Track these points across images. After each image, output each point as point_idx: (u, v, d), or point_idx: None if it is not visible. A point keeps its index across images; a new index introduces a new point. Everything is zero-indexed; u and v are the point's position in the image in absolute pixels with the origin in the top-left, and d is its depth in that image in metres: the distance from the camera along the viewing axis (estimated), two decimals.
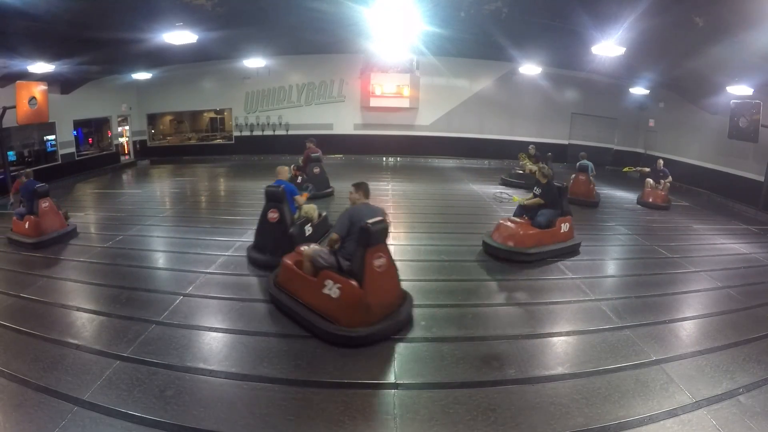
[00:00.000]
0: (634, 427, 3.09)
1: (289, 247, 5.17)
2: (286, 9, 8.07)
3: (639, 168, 10.75)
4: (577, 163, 10.86)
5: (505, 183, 12.29)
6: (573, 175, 10.82)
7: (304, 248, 4.57)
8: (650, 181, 10.57)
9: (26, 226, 6.85)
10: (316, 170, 10.13)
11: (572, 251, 6.69)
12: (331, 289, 4.05)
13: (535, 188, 6.86)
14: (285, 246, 5.43)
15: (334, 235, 4.26)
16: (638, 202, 10.65)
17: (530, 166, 11.58)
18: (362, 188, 4.74)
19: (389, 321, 4.12)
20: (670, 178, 10.58)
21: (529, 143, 13.14)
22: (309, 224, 6.60)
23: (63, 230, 7.12)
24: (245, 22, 8.70)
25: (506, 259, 6.25)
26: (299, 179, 9.70)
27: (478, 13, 7.63)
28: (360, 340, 3.93)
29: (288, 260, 4.67)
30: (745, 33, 6.38)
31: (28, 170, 7.76)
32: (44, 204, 7.02)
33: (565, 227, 6.64)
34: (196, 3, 6.99)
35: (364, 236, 3.99)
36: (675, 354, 4.04)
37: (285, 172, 6.67)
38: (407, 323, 4.35)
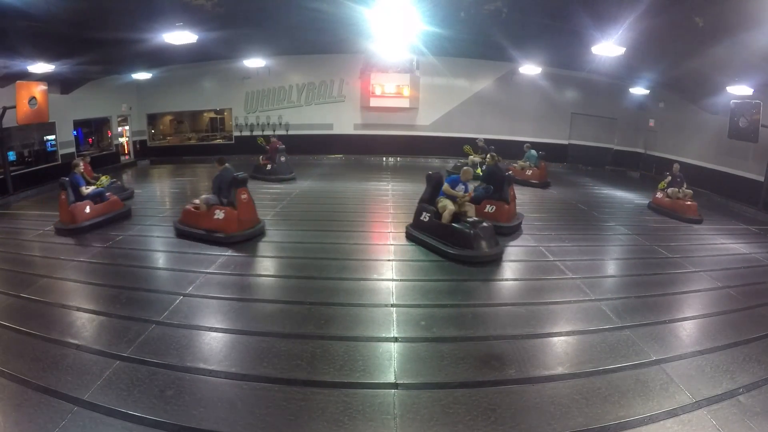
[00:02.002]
0: (634, 427, 3.09)
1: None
2: (286, 9, 8.08)
3: (665, 180, 9.97)
4: (527, 154, 12.75)
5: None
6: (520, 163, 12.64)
7: (198, 200, 7.14)
8: (674, 189, 9.68)
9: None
10: (282, 158, 12.42)
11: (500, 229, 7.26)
12: (219, 214, 6.84)
13: (485, 167, 8.52)
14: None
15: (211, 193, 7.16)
16: (666, 214, 9.55)
17: (474, 158, 12.72)
18: (222, 162, 7.28)
19: (251, 229, 7.05)
20: (685, 184, 9.87)
21: (529, 143, 13.17)
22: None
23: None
24: (245, 22, 8.70)
25: None
26: (268, 167, 12.29)
27: (478, 13, 7.64)
28: (238, 238, 6.75)
29: (188, 208, 7.21)
30: (745, 33, 6.38)
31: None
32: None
33: (490, 208, 7.74)
34: (196, 3, 6.99)
35: (236, 182, 6.91)
36: (675, 354, 4.04)
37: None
38: (262, 232, 7.18)
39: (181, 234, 7.12)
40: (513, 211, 7.86)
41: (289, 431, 3.01)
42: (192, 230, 7.00)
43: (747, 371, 3.79)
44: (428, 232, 6.68)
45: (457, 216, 6.51)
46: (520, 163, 12.71)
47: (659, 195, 9.95)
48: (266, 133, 15.50)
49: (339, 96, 15.82)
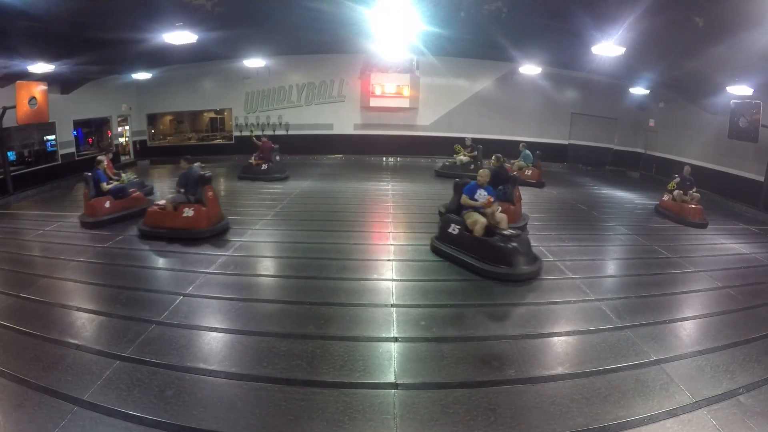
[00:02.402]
0: (634, 427, 3.09)
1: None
2: (286, 9, 8.08)
3: (674, 180, 9.71)
4: (522, 154, 12.81)
5: (439, 175, 13.23)
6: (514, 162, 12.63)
7: (163, 200, 7.13)
8: (680, 192, 9.37)
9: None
10: (278, 158, 12.63)
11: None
12: (188, 212, 6.90)
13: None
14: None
15: (179, 189, 7.18)
16: (668, 217, 9.34)
17: (461, 157, 13.13)
18: (188, 161, 7.38)
19: (219, 225, 7.19)
20: (694, 188, 9.50)
21: (525, 143, 13.21)
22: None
23: None
24: (245, 22, 8.70)
25: None
26: (264, 167, 12.34)
27: (478, 13, 7.62)
28: (207, 233, 6.90)
29: (151, 208, 7.15)
30: (745, 33, 6.38)
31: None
32: None
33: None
34: (196, 3, 6.99)
35: (203, 180, 7.11)
36: (675, 354, 4.04)
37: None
38: (226, 229, 7.28)
39: (146, 236, 7.00)
40: (519, 211, 7.84)
41: (289, 431, 3.01)
42: (159, 230, 6.94)
43: (747, 371, 3.79)
44: (458, 247, 6.07)
45: (489, 227, 5.95)
46: (517, 162, 12.75)
47: (666, 198, 9.67)
48: (266, 132, 15.51)
49: (339, 96, 15.82)
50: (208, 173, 7.25)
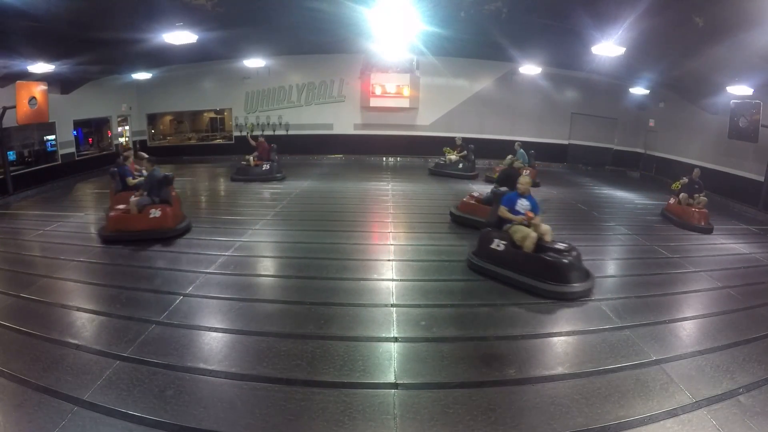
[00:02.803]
0: (634, 427, 3.09)
1: None
2: (286, 9, 8.08)
3: (680, 181, 9.33)
4: (517, 153, 12.68)
5: (433, 173, 13.62)
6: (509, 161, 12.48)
7: (126, 205, 6.98)
8: (685, 195, 8.96)
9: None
10: (276, 157, 12.62)
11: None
12: (155, 213, 6.84)
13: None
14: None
15: (143, 192, 7.12)
16: (672, 221, 8.98)
17: (451, 156, 13.39)
18: (152, 162, 7.40)
19: (184, 224, 7.21)
20: (703, 192, 9.06)
21: (519, 142, 13.26)
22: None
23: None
24: (245, 22, 8.71)
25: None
26: (265, 167, 12.29)
27: (478, 13, 7.63)
28: (177, 232, 6.96)
29: (113, 213, 6.92)
30: (745, 33, 6.38)
31: None
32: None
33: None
34: (196, 3, 6.99)
35: (168, 180, 7.15)
36: (675, 354, 4.04)
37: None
38: (189, 228, 7.26)
39: (110, 241, 6.70)
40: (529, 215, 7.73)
41: (289, 431, 3.01)
42: (124, 234, 6.76)
43: (747, 371, 3.79)
44: (504, 264, 5.40)
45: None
46: (514, 162, 12.75)
47: (672, 201, 9.25)
48: (266, 132, 15.52)
49: (339, 96, 15.82)
50: (170, 174, 7.28)
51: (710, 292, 5.63)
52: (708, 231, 8.39)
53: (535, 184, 12.22)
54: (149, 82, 14.44)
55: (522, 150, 12.78)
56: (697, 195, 8.94)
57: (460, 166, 13.24)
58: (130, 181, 8.47)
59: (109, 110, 14.49)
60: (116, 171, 8.54)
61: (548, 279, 5.04)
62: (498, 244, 5.56)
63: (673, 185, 9.55)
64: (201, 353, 3.93)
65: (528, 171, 12.36)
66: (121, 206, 7.00)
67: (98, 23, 7.47)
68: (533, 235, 5.26)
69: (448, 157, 13.45)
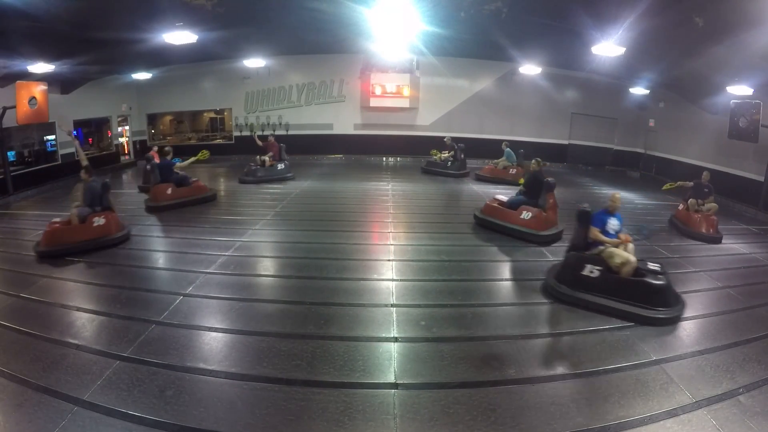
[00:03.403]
0: (634, 427, 3.09)
1: None
2: (286, 9, 8.08)
3: (681, 182, 8.75)
4: (504, 152, 12.93)
5: (425, 172, 13.78)
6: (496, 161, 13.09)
7: (59, 219, 6.72)
8: (693, 201, 8.26)
9: None
10: (287, 157, 12.78)
11: (534, 238, 7.11)
12: (99, 221, 6.69)
13: (526, 174, 7.98)
14: None
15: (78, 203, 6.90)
16: (677, 228, 8.38)
17: (440, 155, 13.66)
18: (89, 172, 7.06)
19: (124, 231, 6.98)
20: (712, 197, 8.35)
21: (507, 141, 13.36)
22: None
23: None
24: (245, 22, 8.71)
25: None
26: (280, 166, 12.39)
27: (478, 13, 7.63)
28: (120, 239, 6.77)
29: (55, 226, 6.53)
30: (745, 33, 6.38)
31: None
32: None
33: (526, 215, 7.35)
34: (196, 3, 6.99)
35: (108, 188, 7.02)
36: (675, 354, 4.04)
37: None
38: (129, 235, 7.02)
39: (48, 256, 6.20)
40: (551, 219, 7.37)
41: (289, 431, 3.01)
42: (65, 247, 6.32)
43: (747, 371, 3.79)
44: (600, 292, 4.86)
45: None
46: (501, 161, 12.98)
47: (681, 207, 8.55)
48: (265, 132, 15.53)
49: (339, 96, 15.82)
50: (107, 181, 7.14)
51: (710, 292, 5.63)
52: (717, 240, 7.74)
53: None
54: (149, 82, 14.44)
55: (509, 149, 12.90)
56: (705, 201, 8.21)
57: (449, 164, 13.32)
58: (179, 165, 9.30)
59: (109, 110, 14.48)
60: (155, 165, 9.10)
61: (649, 304, 4.64)
62: (591, 271, 4.97)
63: (665, 186, 9.12)
64: (201, 353, 3.93)
65: (515, 170, 12.49)
66: (57, 220, 6.63)
67: (98, 23, 7.47)
68: (633, 260, 4.85)
69: (439, 155, 13.67)
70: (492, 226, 7.74)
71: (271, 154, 12.28)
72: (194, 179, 9.66)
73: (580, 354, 4.07)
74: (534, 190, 7.55)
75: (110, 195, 7.07)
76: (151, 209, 8.85)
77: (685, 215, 8.30)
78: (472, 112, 15.81)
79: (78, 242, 6.47)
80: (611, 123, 15.66)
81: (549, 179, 7.40)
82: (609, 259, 4.91)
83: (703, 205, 8.18)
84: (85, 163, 7.18)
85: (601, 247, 5.06)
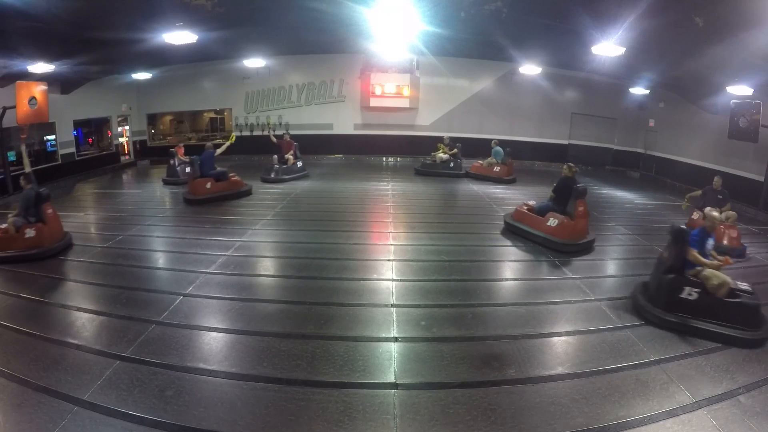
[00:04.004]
0: (634, 427, 3.09)
1: None
2: (286, 9, 8.08)
3: (690, 195, 8.11)
4: (493, 151, 12.97)
5: (419, 173, 13.48)
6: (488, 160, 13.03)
7: (5, 225, 6.55)
8: (709, 210, 7.24)
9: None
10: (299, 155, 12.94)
11: (558, 246, 6.81)
12: (30, 233, 6.42)
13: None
14: None
15: (16, 212, 6.76)
16: None
17: (440, 155, 13.41)
18: (28, 179, 6.82)
19: (61, 242, 6.66)
20: (729, 204, 7.66)
21: (496, 140, 13.37)
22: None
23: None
24: (245, 22, 8.71)
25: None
26: (299, 164, 12.69)
27: (478, 13, 7.63)
28: (55, 251, 6.42)
29: None
30: (745, 33, 6.38)
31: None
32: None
33: (552, 222, 7.07)
34: (196, 3, 6.99)
35: (41, 198, 6.72)
36: (675, 354, 4.04)
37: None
38: (70, 243, 6.79)
39: None
40: (579, 228, 6.95)
41: (289, 431, 3.01)
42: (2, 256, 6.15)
43: (747, 371, 3.79)
44: (696, 314, 4.59)
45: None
46: (488, 160, 13.01)
47: (696, 216, 7.55)
48: (266, 133, 15.55)
49: (339, 96, 15.82)
50: (45, 190, 6.86)
51: None
52: (741, 254, 6.97)
53: (511, 181, 12.51)
54: (149, 82, 14.44)
55: (498, 147, 12.96)
56: (722, 209, 7.28)
57: (452, 165, 13.31)
58: (219, 151, 10.05)
59: (109, 110, 14.48)
60: (195, 159, 9.75)
61: (745, 325, 4.44)
62: (690, 293, 4.68)
63: (684, 204, 8.22)
64: (201, 353, 3.93)
65: (499, 167, 12.65)
66: (3, 226, 6.44)
67: (98, 23, 7.47)
68: (729, 281, 4.62)
69: (438, 156, 13.45)
70: (520, 232, 7.46)
71: (292, 152, 12.54)
72: (232, 174, 10.19)
73: (580, 354, 4.08)
74: (563, 197, 7.21)
75: (48, 206, 6.73)
76: (190, 202, 9.45)
77: (693, 223, 7.31)
78: (472, 112, 15.81)
79: (13, 251, 6.22)
80: (611, 123, 15.65)
81: (579, 185, 7.05)
82: (706, 281, 4.66)
83: (720, 213, 6.97)
84: (27, 170, 7.08)
85: (698, 268, 4.76)
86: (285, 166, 12.27)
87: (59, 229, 6.88)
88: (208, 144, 10.34)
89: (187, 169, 11.24)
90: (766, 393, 3.50)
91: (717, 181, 7.89)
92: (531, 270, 6.31)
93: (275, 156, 12.45)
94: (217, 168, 10.02)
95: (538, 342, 4.24)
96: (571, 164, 7.61)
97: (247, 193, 10.29)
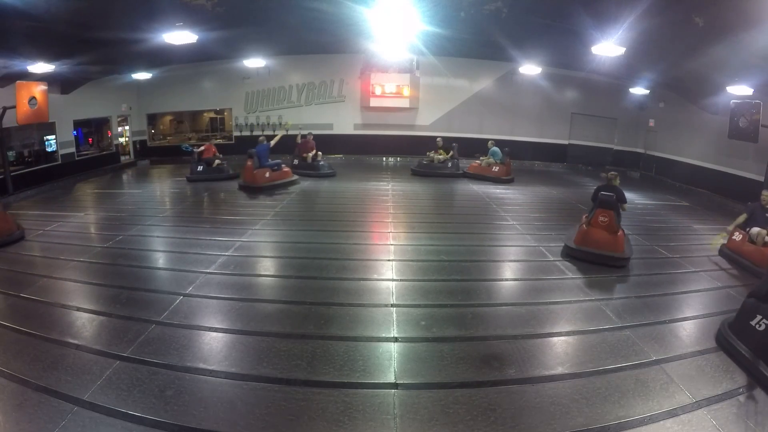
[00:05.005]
0: (634, 427, 3.09)
1: None
2: (286, 9, 8.07)
3: (732, 227, 6.90)
4: (490, 151, 13.10)
5: (415, 174, 13.47)
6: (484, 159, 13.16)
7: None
8: (759, 231, 6.34)
9: None
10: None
11: (569, 251, 6.60)
12: None
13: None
14: None
15: None
16: (732, 260, 6.67)
17: (436, 155, 13.48)
18: None
19: (7, 238, 6.69)
20: None
21: (493, 140, 13.40)
22: None
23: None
24: (245, 22, 8.70)
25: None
26: (322, 162, 13.16)
27: (478, 13, 7.63)
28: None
29: None
30: (745, 33, 6.38)
31: None
32: None
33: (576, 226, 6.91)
34: (196, 3, 6.99)
35: None
36: (675, 354, 4.04)
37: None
38: (21, 237, 6.94)
39: None
40: (593, 237, 6.44)
41: (289, 431, 3.01)
42: None
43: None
44: (761, 352, 3.79)
45: None
46: (487, 160, 13.04)
47: (738, 237, 6.65)
48: (266, 133, 15.55)
49: (339, 96, 15.82)
50: None
51: (710, 292, 5.63)
52: None
53: (508, 181, 12.52)
54: (149, 82, 14.43)
55: (496, 147, 13.00)
56: None
57: (449, 165, 13.32)
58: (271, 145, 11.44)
59: (109, 110, 14.48)
60: (254, 151, 10.84)
61: None
62: (759, 323, 3.97)
63: (715, 240, 7.12)
64: (201, 353, 3.93)
65: (497, 167, 12.67)
66: None
67: (98, 23, 7.46)
68: None
69: (435, 156, 13.51)
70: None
71: (313, 152, 13.07)
72: (284, 166, 11.68)
73: (580, 354, 4.08)
74: (593, 203, 6.76)
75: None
76: (247, 189, 10.80)
77: (750, 251, 6.39)
78: (472, 112, 15.81)
79: None
80: (611, 123, 15.66)
81: (605, 194, 6.59)
82: None
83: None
84: None
85: None
86: (308, 163, 12.91)
87: (7, 227, 6.92)
88: (261, 137, 11.62)
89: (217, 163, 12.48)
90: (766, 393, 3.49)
91: (765, 195, 6.69)
92: (531, 270, 6.30)
93: (295, 154, 13.10)
94: (271, 160, 11.36)
95: (538, 342, 4.24)
96: (612, 171, 7.04)
97: (296, 182, 11.62)
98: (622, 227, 6.58)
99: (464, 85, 15.74)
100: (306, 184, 11.88)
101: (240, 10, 7.89)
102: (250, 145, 13.33)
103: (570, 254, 6.58)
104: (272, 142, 11.45)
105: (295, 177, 11.85)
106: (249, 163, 10.85)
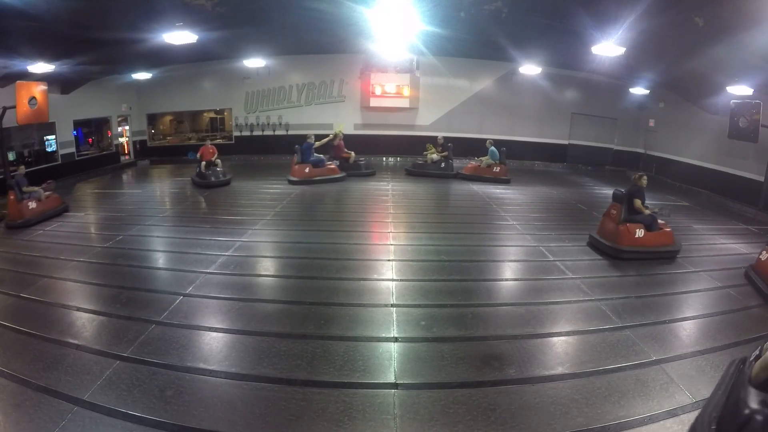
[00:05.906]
0: (634, 427, 3.09)
1: None
2: (286, 9, 8.08)
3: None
4: (488, 151, 13.03)
5: (410, 174, 13.48)
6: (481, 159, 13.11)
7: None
8: None
9: None
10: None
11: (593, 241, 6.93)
12: None
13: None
14: None
15: None
16: (756, 286, 5.61)
17: (432, 155, 13.41)
18: None
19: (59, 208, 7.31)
20: None
21: (491, 140, 13.34)
22: None
23: None
24: (245, 22, 8.70)
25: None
26: (362, 161, 13.42)
27: (478, 13, 7.63)
28: None
29: None
30: (745, 33, 6.38)
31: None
32: None
33: (639, 233, 6.74)
34: (196, 3, 6.99)
35: None
36: (675, 354, 4.04)
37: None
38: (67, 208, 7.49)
39: None
40: (605, 229, 6.81)
41: (289, 431, 3.01)
42: None
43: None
44: None
45: None
46: (485, 160, 12.99)
47: (765, 257, 5.77)
48: (266, 133, 15.57)
49: (339, 96, 15.82)
50: None
51: (710, 292, 5.62)
52: None
53: (506, 181, 12.52)
54: (149, 82, 14.44)
55: (493, 147, 12.96)
56: None
57: (443, 165, 13.30)
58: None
59: (109, 110, 14.49)
60: (299, 148, 11.63)
61: None
62: None
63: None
64: (201, 353, 3.93)
65: (498, 168, 12.66)
66: None
67: (98, 23, 7.46)
68: None
69: (429, 156, 13.43)
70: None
71: (344, 153, 13.23)
72: (329, 163, 12.18)
73: (580, 354, 4.08)
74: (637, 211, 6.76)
75: None
76: (292, 182, 11.51)
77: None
78: (472, 112, 15.80)
79: None
80: (611, 123, 15.65)
81: (619, 190, 6.90)
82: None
83: None
84: None
85: None
86: (351, 164, 13.01)
87: None
88: (310, 136, 12.01)
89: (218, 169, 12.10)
90: None
91: None
92: (531, 270, 6.30)
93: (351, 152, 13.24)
94: (314, 156, 11.89)
95: (538, 342, 4.24)
96: (641, 173, 6.97)
97: (342, 179, 12.08)
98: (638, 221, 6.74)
99: (464, 85, 15.74)
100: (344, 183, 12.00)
101: (240, 10, 7.89)
102: (250, 145, 13.39)
103: (589, 242, 7.08)
104: (317, 143, 11.97)
105: (342, 174, 12.24)
106: (294, 158, 11.66)
